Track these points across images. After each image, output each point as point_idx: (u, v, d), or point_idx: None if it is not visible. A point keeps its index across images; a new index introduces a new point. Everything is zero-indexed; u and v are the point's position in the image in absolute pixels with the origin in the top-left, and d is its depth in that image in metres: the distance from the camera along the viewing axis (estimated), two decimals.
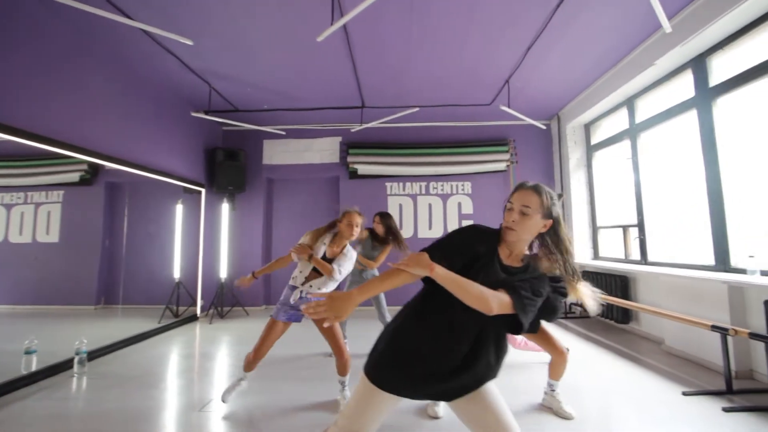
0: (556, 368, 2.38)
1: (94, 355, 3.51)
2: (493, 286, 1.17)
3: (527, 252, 1.35)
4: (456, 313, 1.21)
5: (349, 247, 2.48)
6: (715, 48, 3.28)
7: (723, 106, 3.29)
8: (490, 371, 1.28)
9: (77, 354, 3.17)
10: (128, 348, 3.94)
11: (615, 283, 4.34)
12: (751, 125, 3.06)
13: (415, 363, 1.24)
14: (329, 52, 3.81)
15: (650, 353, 3.48)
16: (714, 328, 2.64)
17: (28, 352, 3.15)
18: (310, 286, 2.38)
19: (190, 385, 2.91)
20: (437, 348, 1.24)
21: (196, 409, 2.42)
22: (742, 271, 2.92)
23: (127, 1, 2.98)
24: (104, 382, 2.95)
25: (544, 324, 2.07)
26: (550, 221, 1.29)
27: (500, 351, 1.30)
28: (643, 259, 4.26)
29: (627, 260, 4.58)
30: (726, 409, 2.31)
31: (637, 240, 4.36)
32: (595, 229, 5.36)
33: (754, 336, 2.43)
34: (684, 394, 2.56)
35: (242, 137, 6.08)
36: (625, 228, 4.67)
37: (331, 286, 2.43)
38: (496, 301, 1.13)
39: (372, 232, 3.61)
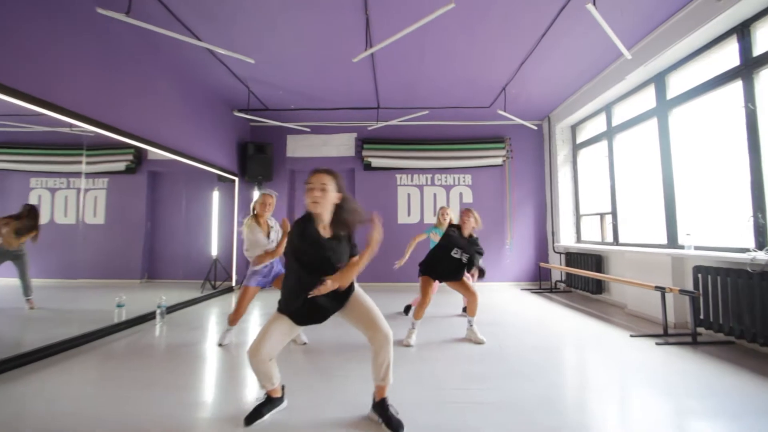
0: (471, 306, 3.25)
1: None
2: (325, 255, 1.72)
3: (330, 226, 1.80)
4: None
5: (272, 219, 3.32)
6: (672, 68, 4.06)
7: (677, 117, 4.08)
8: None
9: (159, 308, 3.98)
10: (183, 310, 4.73)
11: (591, 261, 5.17)
12: (699, 132, 3.85)
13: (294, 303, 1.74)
14: (356, 65, 4.55)
15: (616, 315, 4.31)
16: (656, 288, 3.46)
17: (119, 306, 3.96)
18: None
19: (227, 332, 3.73)
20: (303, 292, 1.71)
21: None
22: (681, 247, 3.74)
23: (196, 22, 3.71)
24: (178, 329, 3.77)
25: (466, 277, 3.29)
26: (341, 194, 1.76)
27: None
28: (615, 241, 5.09)
29: (603, 242, 5.41)
30: (658, 343, 3.15)
31: (611, 225, 5.18)
32: (578, 217, 6.18)
33: (683, 292, 3.26)
34: (631, 336, 3.39)
35: (268, 132, 6.83)
36: (602, 215, 5.49)
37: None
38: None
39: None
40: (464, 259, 3.24)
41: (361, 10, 3.47)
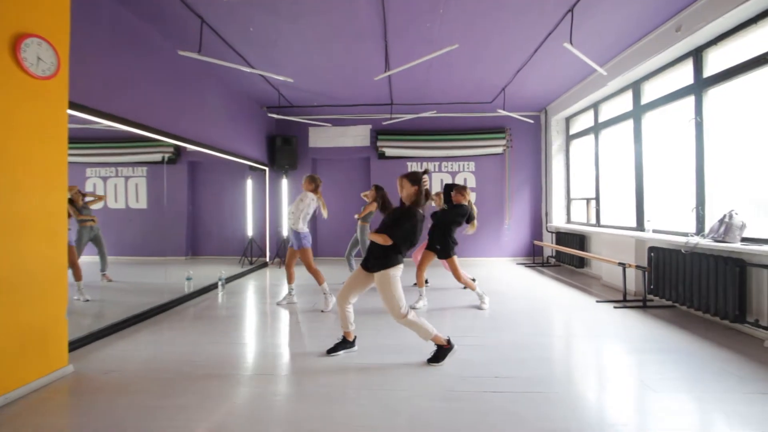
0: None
1: (214, 285, 5.27)
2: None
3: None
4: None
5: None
6: (646, 78, 4.74)
7: (649, 118, 4.80)
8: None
9: (219, 280, 4.98)
10: (231, 282, 5.71)
11: (576, 240, 6.03)
12: (662, 135, 4.58)
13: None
14: (372, 81, 5.27)
15: (592, 286, 5.21)
16: (620, 263, 4.33)
17: (188, 279, 4.95)
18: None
19: (271, 295, 4.71)
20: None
21: (274, 303, 4.21)
22: (644, 230, 4.58)
23: (246, 49, 4.46)
24: (235, 296, 4.78)
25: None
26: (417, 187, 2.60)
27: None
28: (597, 223, 5.92)
29: (587, 224, 6.24)
30: (615, 307, 4.06)
31: (594, 209, 6.00)
32: (569, 201, 6.98)
33: (638, 267, 4.12)
34: (597, 302, 4.31)
35: (291, 125, 7.60)
36: (588, 200, 6.29)
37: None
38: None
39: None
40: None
41: (381, 39, 4.20)
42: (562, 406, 2.09)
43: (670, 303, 4.04)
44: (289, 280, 4.27)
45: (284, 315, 3.94)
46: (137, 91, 3.76)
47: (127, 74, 3.62)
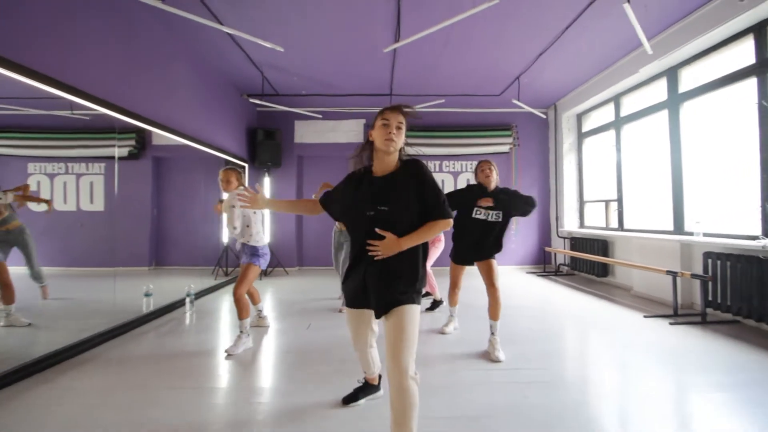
0: (493, 308, 2.72)
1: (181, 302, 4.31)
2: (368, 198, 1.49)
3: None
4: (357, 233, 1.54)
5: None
6: (686, 62, 4.22)
7: (688, 110, 4.27)
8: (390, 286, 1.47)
9: (188, 295, 4.03)
10: (204, 297, 4.77)
11: (597, 246, 5.44)
12: (709, 125, 4.06)
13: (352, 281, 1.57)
14: (379, 53, 4.54)
15: (622, 296, 4.60)
16: (668, 272, 3.72)
17: (147, 295, 3.98)
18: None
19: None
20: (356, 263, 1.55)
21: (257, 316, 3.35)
22: (690, 234, 4.01)
23: (220, 6, 3.60)
24: (208, 316, 3.85)
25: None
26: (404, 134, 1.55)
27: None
28: (620, 227, 5.36)
29: (607, 228, 5.68)
30: (671, 323, 3.42)
31: (616, 212, 5.44)
32: (582, 203, 6.43)
33: (695, 276, 3.52)
34: (645, 316, 3.66)
35: (275, 118, 6.74)
36: (607, 202, 5.74)
37: (236, 221, 2.94)
38: (440, 228, 1.49)
39: None
40: (492, 217, 2.73)
41: (394, 1, 3.46)
42: None
43: (733, 317, 3.45)
44: (254, 300, 3.33)
45: (268, 343, 3.07)
46: (82, 51, 2.84)
47: (68, 28, 2.70)
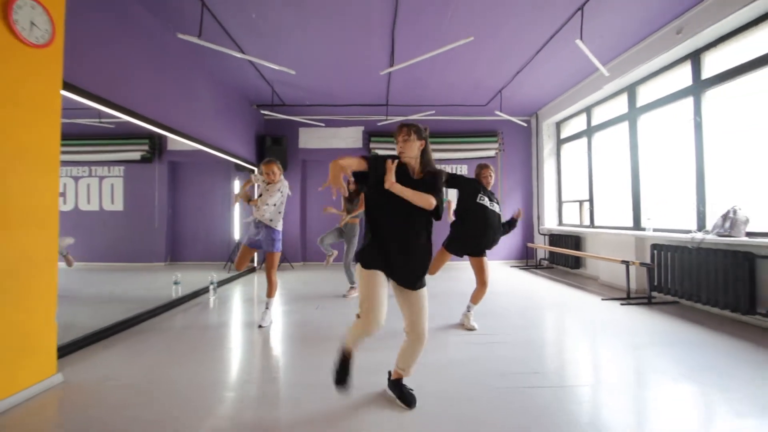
0: (477, 295, 3.21)
1: (204, 290, 4.91)
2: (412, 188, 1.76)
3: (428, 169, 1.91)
4: (391, 221, 1.80)
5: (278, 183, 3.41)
6: (641, 81, 4.88)
7: (644, 121, 4.93)
8: (419, 269, 1.84)
9: (211, 284, 4.64)
10: (220, 287, 5.37)
11: (571, 241, 6.09)
12: (660, 135, 4.71)
13: (381, 252, 1.81)
14: (376, 72, 5.17)
15: (590, 285, 5.25)
16: (623, 262, 4.37)
17: (176, 283, 4.59)
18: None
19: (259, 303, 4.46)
20: (391, 240, 1.81)
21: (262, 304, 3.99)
22: (643, 229, 4.66)
23: (242, 37, 4.23)
24: (228, 301, 4.47)
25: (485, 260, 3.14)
26: (423, 141, 1.88)
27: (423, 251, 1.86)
28: (591, 224, 6.01)
29: (581, 225, 6.33)
30: (622, 304, 4.07)
31: (588, 210, 6.10)
32: (560, 203, 7.08)
33: (642, 264, 4.17)
34: (602, 299, 4.31)
35: (281, 125, 7.36)
36: (581, 202, 6.39)
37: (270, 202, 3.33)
38: (431, 200, 1.77)
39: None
40: (493, 206, 3.09)
41: (389, 32, 4.10)
42: (592, 396, 2.00)
43: (673, 299, 4.10)
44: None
45: (285, 318, 3.70)
46: (128, 75, 3.46)
47: (119, 57, 3.32)
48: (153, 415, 1.86)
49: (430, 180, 1.87)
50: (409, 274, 1.83)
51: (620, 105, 5.35)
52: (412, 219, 1.81)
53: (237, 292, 5.04)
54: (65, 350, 2.60)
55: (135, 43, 3.54)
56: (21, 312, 2.02)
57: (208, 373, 2.37)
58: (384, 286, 1.79)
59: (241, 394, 2.08)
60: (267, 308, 3.43)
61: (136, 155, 5.31)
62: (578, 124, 6.50)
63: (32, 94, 2.08)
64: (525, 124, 7.19)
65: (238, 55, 3.82)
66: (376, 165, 1.81)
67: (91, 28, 3.00)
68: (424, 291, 1.88)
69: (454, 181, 3.11)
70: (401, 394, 1.96)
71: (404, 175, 1.85)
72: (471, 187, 3.10)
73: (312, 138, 7.49)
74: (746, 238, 3.30)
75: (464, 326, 3.25)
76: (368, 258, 1.81)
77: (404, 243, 1.81)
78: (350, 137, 7.52)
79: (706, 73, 3.96)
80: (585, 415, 1.85)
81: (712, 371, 2.33)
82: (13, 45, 1.96)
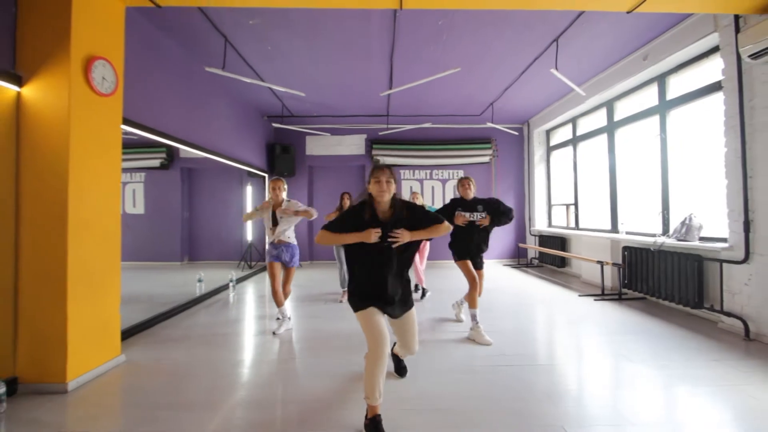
0: (472, 295, 3.30)
1: (224, 287, 5.51)
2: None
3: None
4: (374, 258, 1.94)
5: (286, 201, 3.73)
6: (617, 98, 5.37)
7: (621, 133, 5.42)
8: (405, 298, 2.05)
9: (231, 281, 5.22)
10: (238, 285, 5.95)
11: (558, 242, 6.60)
12: (633, 148, 5.20)
13: (368, 295, 1.96)
14: (375, 94, 5.70)
15: (573, 283, 5.77)
16: (598, 261, 4.88)
17: (199, 281, 5.17)
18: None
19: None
20: (375, 280, 1.96)
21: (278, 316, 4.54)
22: (618, 232, 5.17)
23: (260, 64, 4.78)
24: (247, 297, 5.03)
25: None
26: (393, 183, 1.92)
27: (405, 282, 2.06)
28: (576, 226, 6.51)
29: (567, 227, 6.84)
30: (595, 300, 4.58)
31: (573, 214, 6.60)
32: (550, 206, 7.59)
33: (615, 264, 4.67)
34: (579, 296, 4.83)
35: (290, 134, 7.91)
36: (567, 205, 6.89)
37: (285, 227, 3.69)
38: (441, 226, 2.00)
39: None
40: (475, 218, 3.25)
41: (387, 60, 4.62)
42: (559, 373, 2.54)
43: (641, 295, 4.61)
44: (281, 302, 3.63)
45: (299, 313, 4.25)
46: (164, 105, 4.02)
47: (158, 90, 3.88)
48: (196, 386, 2.42)
49: (413, 212, 2.01)
50: (396, 308, 2.03)
51: (600, 118, 5.84)
52: (391, 263, 1.97)
53: (251, 289, 5.61)
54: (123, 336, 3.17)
55: (170, 78, 4.11)
56: (100, 304, 2.59)
57: (237, 355, 2.93)
58: (380, 314, 1.96)
59: (267, 371, 2.64)
60: (283, 317, 3.56)
61: (156, 162, 5.85)
62: (565, 133, 6.99)
63: (103, 132, 2.64)
64: (516, 133, 7.69)
65: (257, 82, 4.36)
66: (346, 220, 1.98)
67: (139, 69, 3.56)
68: (413, 311, 2.12)
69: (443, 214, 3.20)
70: (398, 367, 2.54)
71: (373, 217, 1.96)
72: (449, 211, 3.32)
73: (318, 146, 8.03)
74: (697, 243, 3.81)
75: (476, 341, 3.20)
76: (358, 302, 1.96)
77: (385, 285, 1.96)
78: (354, 144, 8.05)
79: (671, 94, 4.45)
80: (541, 385, 2.38)
81: (664, 353, 2.85)
82: (90, 97, 2.52)
